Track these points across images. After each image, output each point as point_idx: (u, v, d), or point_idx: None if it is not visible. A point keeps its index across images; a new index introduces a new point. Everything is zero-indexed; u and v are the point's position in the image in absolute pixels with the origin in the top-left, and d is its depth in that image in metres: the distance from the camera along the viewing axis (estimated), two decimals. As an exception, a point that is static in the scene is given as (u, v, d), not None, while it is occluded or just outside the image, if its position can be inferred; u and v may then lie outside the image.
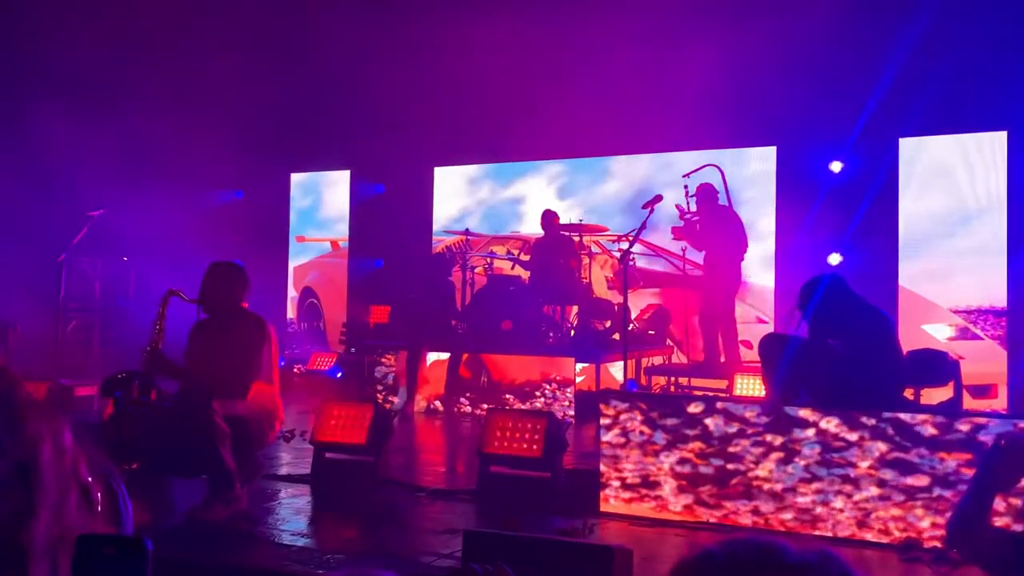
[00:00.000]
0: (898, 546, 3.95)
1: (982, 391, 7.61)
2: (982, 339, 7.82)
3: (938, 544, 3.90)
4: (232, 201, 11.53)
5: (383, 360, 8.23)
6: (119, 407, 4.42)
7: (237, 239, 10.78)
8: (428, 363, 8.12)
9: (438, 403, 7.96)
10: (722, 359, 8.10)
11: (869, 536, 4.03)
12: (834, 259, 8.10)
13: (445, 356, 8.04)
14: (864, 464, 4.08)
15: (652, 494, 4.49)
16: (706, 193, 8.53)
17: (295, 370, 9.72)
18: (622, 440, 4.60)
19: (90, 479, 1.35)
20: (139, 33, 9.16)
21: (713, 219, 8.44)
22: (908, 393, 4.89)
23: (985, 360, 7.71)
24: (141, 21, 9.07)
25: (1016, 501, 3.54)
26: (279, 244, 11.24)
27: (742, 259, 8.43)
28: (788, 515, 4.20)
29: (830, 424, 4.15)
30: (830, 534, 4.09)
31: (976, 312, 7.85)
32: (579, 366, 7.68)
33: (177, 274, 5.89)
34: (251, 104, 10.08)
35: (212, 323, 4.69)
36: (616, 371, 8.13)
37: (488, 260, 9.26)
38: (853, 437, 4.11)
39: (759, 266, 8.79)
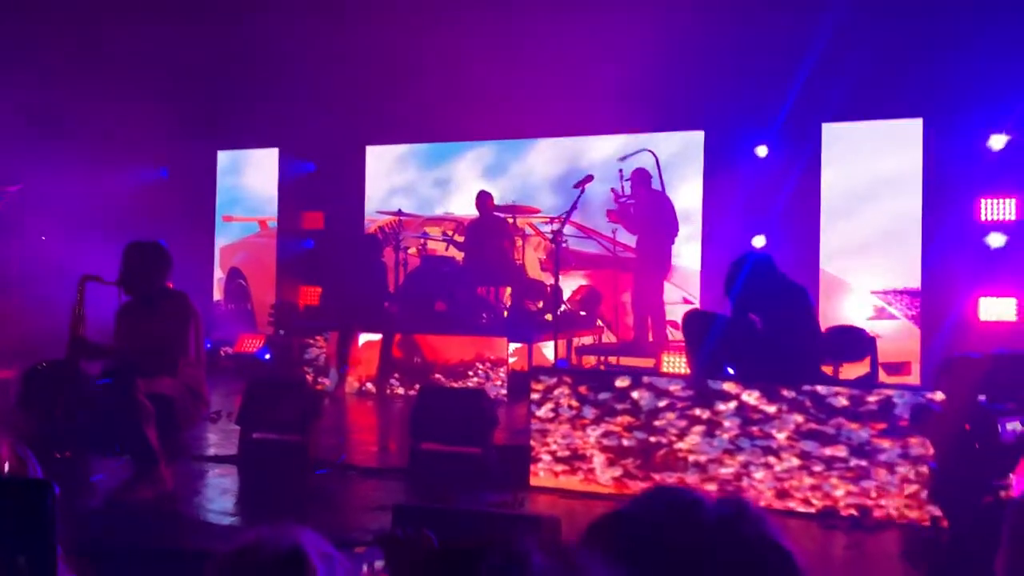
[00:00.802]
0: (817, 514, 4.11)
1: (897, 368, 7.93)
2: (898, 319, 8.13)
3: (854, 512, 4.07)
4: (156, 179, 11.20)
5: (313, 342, 8.14)
6: (45, 411, 4.37)
7: (162, 218, 10.48)
8: (360, 344, 8.06)
9: (370, 384, 7.92)
10: (650, 338, 8.25)
11: (793, 506, 4.18)
12: (759, 241, 8.30)
13: (378, 337, 8.00)
14: (782, 435, 4.22)
15: (582, 467, 4.56)
16: (641, 177, 8.64)
17: (222, 352, 9.53)
18: (552, 415, 4.67)
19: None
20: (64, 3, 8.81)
21: (647, 203, 8.57)
22: (828, 369, 5.07)
23: (901, 339, 8.03)
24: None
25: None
26: (205, 224, 10.97)
27: (673, 243, 8.59)
28: (712, 486, 4.32)
29: (751, 397, 4.28)
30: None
31: (892, 293, 8.16)
32: (512, 346, 7.73)
33: (99, 253, 5.72)
34: (176, 79, 9.80)
35: (136, 304, 4.59)
36: (548, 351, 8.21)
37: (422, 241, 9.22)
38: (772, 409, 4.25)
39: (686, 248, 8.96)
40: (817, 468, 4.16)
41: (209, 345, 9.58)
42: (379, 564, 1.48)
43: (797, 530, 3.99)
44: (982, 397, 2.75)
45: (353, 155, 10.41)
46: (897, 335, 8.05)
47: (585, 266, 9.41)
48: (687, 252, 8.98)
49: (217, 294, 10.89)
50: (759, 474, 4.25)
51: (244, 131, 10.46)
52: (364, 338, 8.06)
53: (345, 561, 1.21)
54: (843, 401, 4.12)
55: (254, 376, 6.43)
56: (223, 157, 11.09)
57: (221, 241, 11.06)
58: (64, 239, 9.60)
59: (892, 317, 8.14)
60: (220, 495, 4.53)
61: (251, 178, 11.02)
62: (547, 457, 4.64)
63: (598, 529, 1.12)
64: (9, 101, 8.55)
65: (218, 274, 10.96)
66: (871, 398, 4.09)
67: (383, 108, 9.45)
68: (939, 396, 3.59)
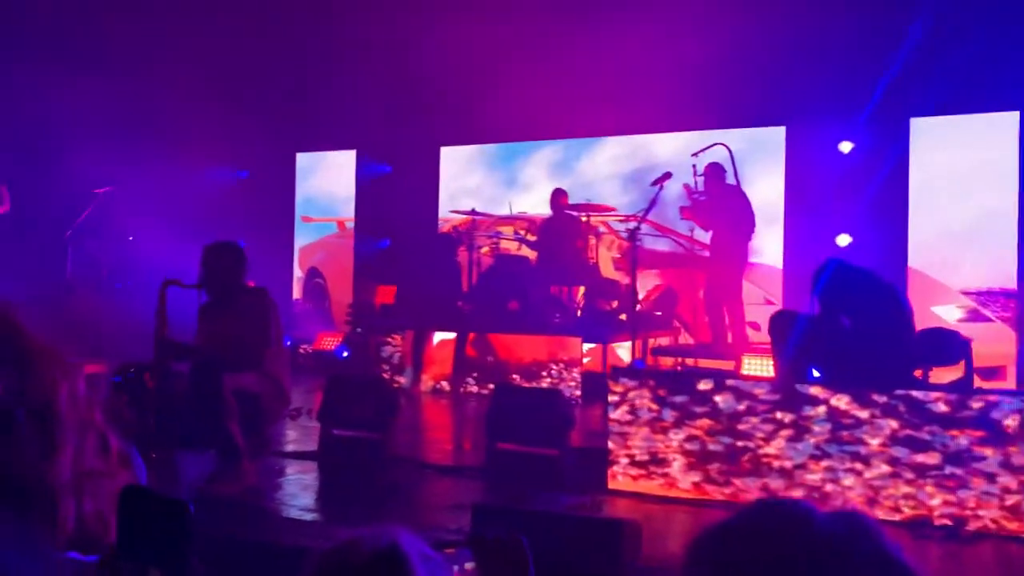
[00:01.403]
0: (909, 524, 3.94)
1: (991, 373, 7.57)
2: (992, 321, 7.77)
3: (948, 522, 3.89)
4: (237, 180, 11.49)
5: (389, 340, 8.22)
6: (139, 401, 4.52)
7: (243, 219, 10.75)
8: (434, 343, 8.11)
9: (444, 383, 7.96)
10: (729, 339, 8.07)
11: (880, 514, 4.02)
12: (843, 240, 8.04)
13: (452, 336, 8.03)
14: (875, 442, 4.06)
15: (660, 471, 4.48)
16: (715, 172, 8.43)
17: (301, 350, 9.71)
18: (630, 417, 4.59)
19: (105, 426, 1.37)
20: (145, 7, 9.10)
21: (721, 199, 8.36)
22: (917, 373, 4.86)
23: (995, 341, 7.66)
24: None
25: None
26: (285, 224, 11.21)
27: (750, 239, 8.35)
28: (799, 492, 4.18)
29: (840, 402, 4.13)
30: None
31: (986, 293, 7.80)
32: (586, 347, 7.66)
33: (184, 252, 5.88)
34: (257, 83, 10.03)
35: (217, 304, 4.70)
36: (623, 352, 8.12)
37: (495, 240, 9.22)
38: (864, 415, 4.09)
39: (768, 247, 8.74)
40: (910, 475, 3.99)
41: (288, 343, 9.77)
42: (469, 566, 1.45)
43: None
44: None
45: (428, 156, 10.49)
46: (990, 338, 7.69)
47: (661, 265, 9.27)
48: (769, 251, 8.76)
49: (296, 293, 11.11)
50: (848, 481, 4.10)
51: (323, 134, 10.64)
52: (438, 337, 8.10)
53: (443, 562, 1.18)
54: (942, 407, 3.94)
55: (334, 373, 6.51)
56: (302, 159, 11.30)
57: (300, 241, 11.28)
58: (150, 239, 9.93)
59: (985, 319, 7.79)
60: (302, 491, 4.60)
61: (329, 179, 11.20)
62: (624, 460, 4.57)
63: (703, 544, 1.07)
64: (98, 106, 8.87)
65: (297, 273, 11.18)
66: (974, 404, 3.90)
67: (457, 109, 9.49)
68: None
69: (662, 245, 9.34)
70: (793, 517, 1.02)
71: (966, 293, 7.89)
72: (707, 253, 8.67)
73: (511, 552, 1.51)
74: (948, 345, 4.52)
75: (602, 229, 9.33)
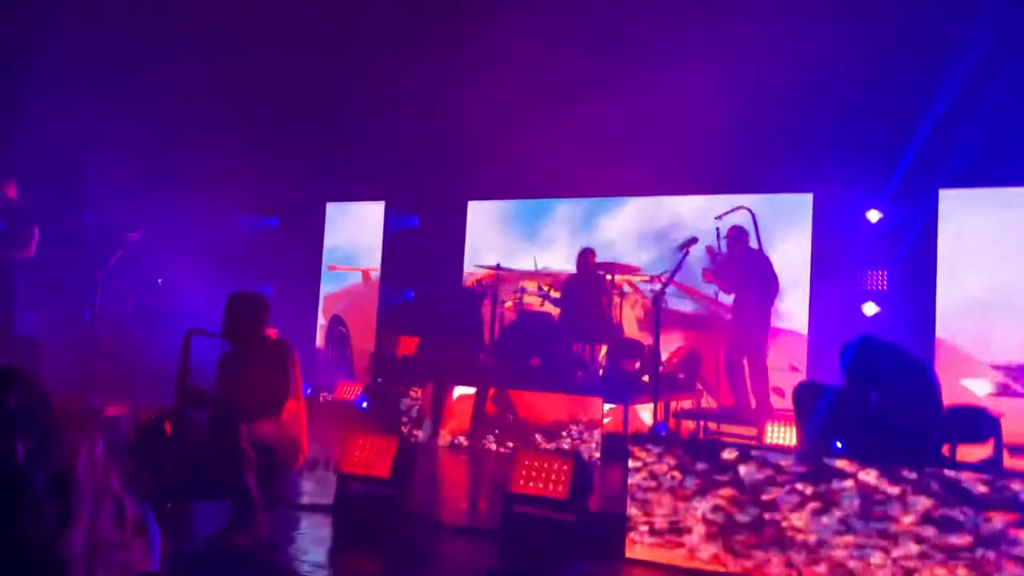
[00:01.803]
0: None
1: (1022, 450, 7.40)
2: (1023, 396, 7.62)
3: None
4: (268, 227, 11.64)
5: (409, 393, 8.19)
6: (158, 450, 4.52)
7: (272, 266, 10.88)
8: (454, 397, 8.07)
9: (463, 438, 7.90)
10: (752, 405, 7.97)
11: None
12: (870, 309, 7.97)
13: (472, 391, 7.99)
14: (906, 519, 3.95)
15: (680, 540, 4.38)
16: (737, 235, 8.44)
17: (321, 398, 9.71)
18: (652, 484, 4.52)
19: (121, 492, 1.37)
20: (183, 54, 9.33)
21: (744, 262, 8.35)
22: (944, 450, 4.76)
23: (1024, 418, 7.50)
24: (167, 33, 9.23)
25: None
26: (312, 273, 11.31)
27: (772, 304, 8.31)
28: (822, 568, 4.07)
29: (870, 476, 4.04)
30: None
31: (1018, 368, 7.66)
32: (606, 407, 7.59)
33: (213, 298, 5.93)
34: (290, 132, 10.22)
35: (238, 352, 4.72)
36: (645, 413, 8.03)
37: (518, 295, 9.23)
38: (895, 491, 3.99)
39: (793, 313, 8.68)
40: (939, 556, 3.88)
41: (309, 391, 9.79)
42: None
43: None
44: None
45: (455, 210, 10.58)
46: (1021, 414, 7.53)
47: (685, 327, 9.22)
48: (795, 317, 8.69)
49: (319, 341, 11.15)
50: (875, 559, 3.98)
51: (353, 185, 10.79)
52: (458, 392, 8.06)
53: None
54: (980, 487, 3.84)
55: (353, 426, 6.49)
56: (332, 208, 11.45)
57: (325, 290, 11.36)
58: (180, 282, 10.05)
59: (1017, 394, 7.64)
60: (314, 545, 4.54)
61: (356, 229, 11.32)
62: (644, 527, 4.48)
63: None
64: (132, 151, 9.06)
65: (321, 321, 11.23)
66: (1013, 485, 3.80)
67: (484, 164, 9.59)
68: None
69: (686, 307, 9.31)
70: None
71: (996, 367, 7.76)
72: (729, 316, 8.63)
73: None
74: (978, 422, 4.43)
75: (627, 289, 9.32)
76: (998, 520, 3.80)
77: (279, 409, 4.54)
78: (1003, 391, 7.69)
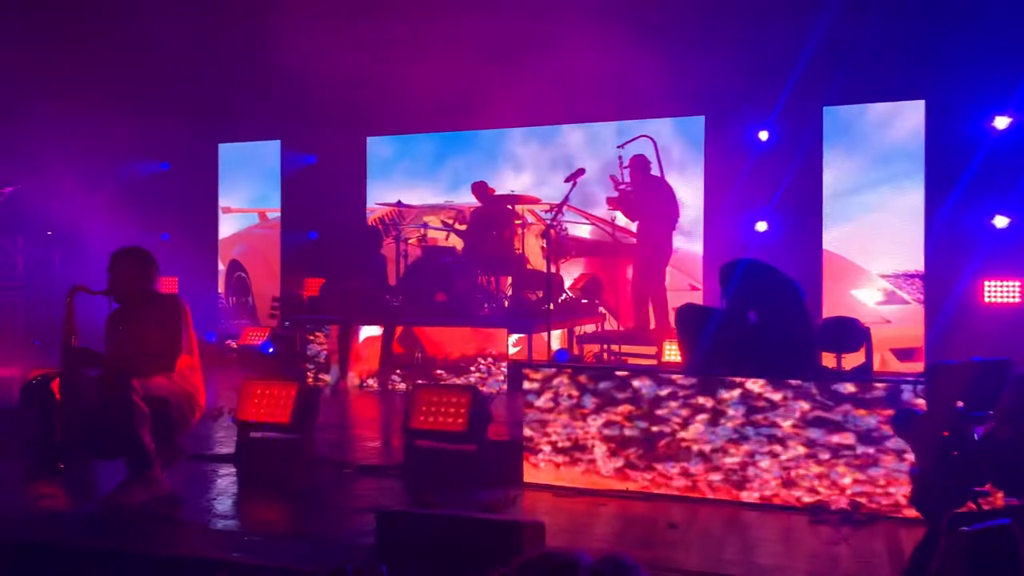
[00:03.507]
0: (808, 509, 4.09)
1: (907, 354, 7.85)
2: (909, 303, 8.03)
3: (845, 506, 4.05)
4: (158, 173, 11.23)
5: (314, 337, 8.07)
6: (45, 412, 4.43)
7: (165, 211, 10.54)
8: (361, 339, 8.07)
9: (371, 380, 7.93)
10: (652, 326, 8.23)
11: (799, 495, 4.16)
12: (761, 226, 8.25)
13: (379, 332, 8.00)
14: (787, 424, 4.19)
15: (583, 458, 4.55)
16: (640, 164, 8.62)
17: (227, 344, 9.58)
18: (551, 405, 4.66)
19: None
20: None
21: (646, 190, 8.54)
22: (830, 359, 5.03)
23: (912, 323, 7.94)
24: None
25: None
26: (208, 216, 11.00)
27: (674, 229, 8.56)
28: (717, 476, 4.30)
29: (756, 385, 4.25)
30: (757, 495, 4.21)
31: (903, 276, 8.06)
32: (513, 337, 7.72)
33: (104, 248, 5.73)
34: (176, 73, 9.79)
35: (127, 310, 4.61)
36: (552, 341, 8.20)
37: (422, 231, 9.20)
38: (777, 397, 4.22)
39: (691, 234, 8.91)
40: (824, 456, 4.13)
41: (214, 338, 9.64)
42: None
43: (784, 525, 3.97)
44: (960, 404, 2.73)
45: (353, 147, 10.39)
46: (907, 320, 7.97)
47: (586, 253, 9.38)
48: (692, 238, 8.93)
49: (221, 287, 10.93)
50: (765, 463, 4.22)
51: (246, 124, 10.46)
52: (365, 333, 8.06)
53: None
54: (850, 388, 4.09)
55: (250, 374, 6.46)
56: (224, 150, 11.09)
57: (222, 233, 11.08)
58: (69, 233, 9.67)
59: (903, 302, 8.06)
60: (216, 496, 4.56)
61: (252, 170, 11.02)
62: (547, 448, 4.63)
63: None
64: (11, 96, 8.57)
65: (220, 267, 10.99)
66: (878, 385, 4.07)
67: (383, 99, 9.41)
68: (921, 402, 3.56)
69: (589, 234, 9.45)
70: (560, 567, 1.16)
71: (884, 276, 8.14)
72: (632, 240, 8.81)
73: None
74: (849, 333, 4.69)
75: (530, 219, 9.39)
76: (871, 418, 4.06)
77: (171, 365, 4.47)
78: (891, 299, 8.10)
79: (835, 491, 4.12)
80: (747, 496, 4.25)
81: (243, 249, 10.90)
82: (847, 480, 4.10)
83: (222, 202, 11.07)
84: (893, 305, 8.08)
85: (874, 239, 8.15)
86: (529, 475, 4.65)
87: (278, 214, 10.72)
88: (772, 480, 4.22)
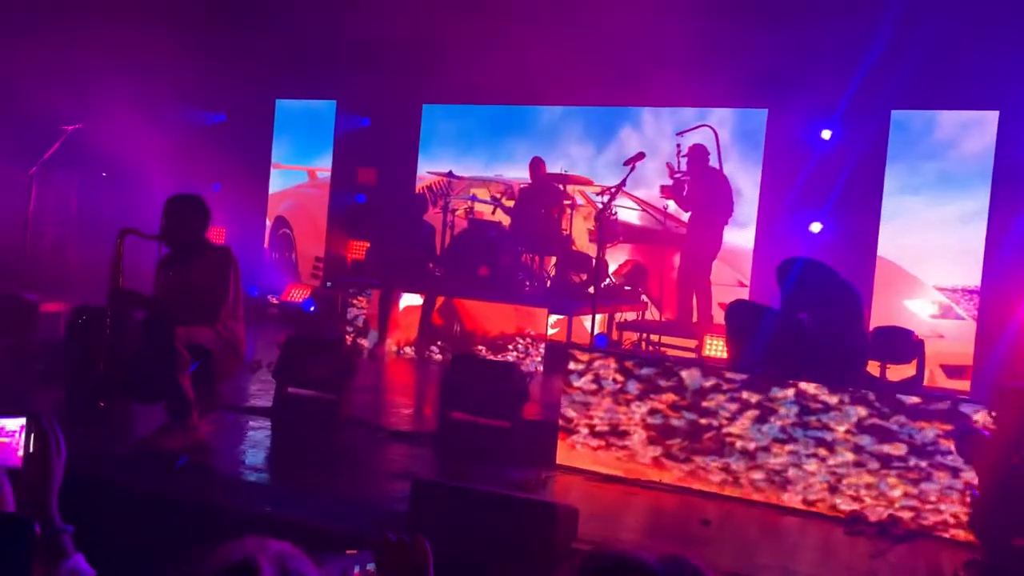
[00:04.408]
0: (844, 519, 4.00)
1: (957, 372, 7.58)
2: (964, 319, 7.78)
3: (883, 519, 3.95)
4: (216, 123, 11.29)
5: (354, 302, 8.07)
6: (91, 348, 4.48)
7: (218, 162, 10.60)
8: (401, 308, 8.06)
9: (408, 349, 7.93)
10: (695, 318, 8.11)
11: (839, 502, 4.07)
12: (815, 227, 8.06)
13: (419, 301, 7.99)
14: (841, 428, 4.08)
15: (619, 443, 4.50)
16: (698, 154, 8.43)
17: (268, 299, 9.64)
18: (594, 387, 4.60)
19: None
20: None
21: (702, 181, 8.36)
22: (875, 367, 4.91)
23: (965, 340, 7.67)
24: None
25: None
26: (260, 171, 11.04)
27: (726, 223, 8.38)
28: (759, 475, 4.22)
29: (810, 386, 4.14)
30: (800, 498, 4.12)
31: (961, 291, 7.81)
32: (553, 318, 7.66)
33: (157, 193, 5.77)
34: (240, 26, 9.81)
35: (177, 256, 4.64)
36: (589, 324, 8.12)
37: (470, 203, 9.14)
38: (833, 400, 4.11)
39: (743, 229, 8.74)
40: (873, 466, 4.03)
41: (256, 292, 9.72)
42: (371, 567, 1.45)
43: (819, 534, 3.88)
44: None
45: (409, 112, 10.34)
46: (960, 336, 7.71)
47: (634, 239, 9.25)
48: (744, 233, 8.76)
49: (266, 242, 10.99)
50: (811, 466, 4.12)
51: (304, 82, 10.46)
52: (405, 302, 8.05)
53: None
54: (914, 399, 3.97)
55: (293, 331, 6.48)
56: (282, 106, 11.11)
57: (271, 188, 11.11)
58: (125, 177, 9.77)
59: (958, 317, 7.80)
60: (250, 448, 4.59)
61: (307, 128, 11.02)
62: (584, 431, 4.58)
63: None
64: (75, 39, 8.66)
65: (268, 222, 11.05)
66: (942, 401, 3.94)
67: (443, 67, 9.33)
68: (989, 422, 3.43)
69: (639, 221, 9.32)
70: (633, 571, 1.11)
71: (941, 289, 7.89)
72: (682, 231, 8.67)
73: (413, 554, 1.51)
74: (902, 343, 4.56)
75: (580, 200, 9.28)
76: (930, 431, 3.93)
77: (215, 315, 4.50)
78: (945, 313, 7.84)
79: (882, 502, 4.00)
80: (788, 499, 4.16)
81: (290, 206, 10.92)
82: (896, 492, 3.99)
83: (274, 159, 11.10)
84: (948, 320, 7.81)
85: (932, 250, 7.90)
86: (562, 456, 4.61)
87: (327, 174, 10.72)
88: (817, 485, 4.12)
